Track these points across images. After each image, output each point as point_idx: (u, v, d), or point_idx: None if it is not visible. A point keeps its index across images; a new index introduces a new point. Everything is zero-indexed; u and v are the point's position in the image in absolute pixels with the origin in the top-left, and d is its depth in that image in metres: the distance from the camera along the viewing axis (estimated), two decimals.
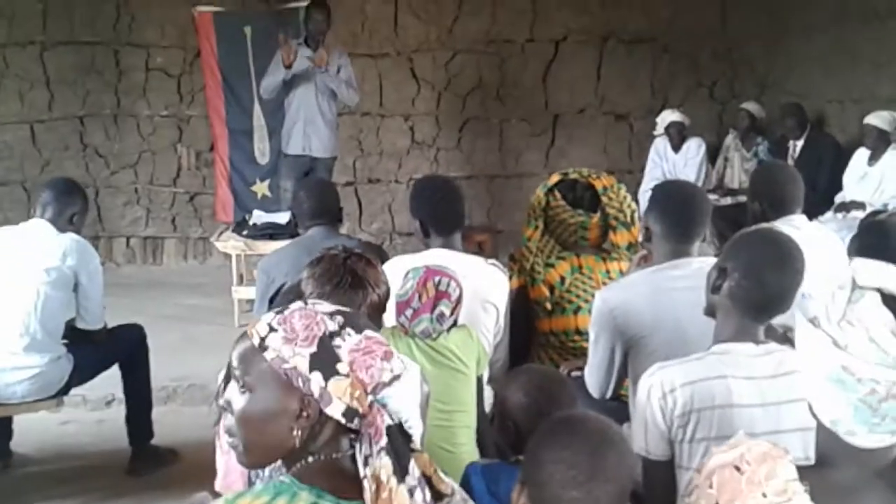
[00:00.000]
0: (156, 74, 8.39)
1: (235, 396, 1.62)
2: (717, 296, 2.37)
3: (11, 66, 8.15)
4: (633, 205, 3.72)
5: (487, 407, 3.17)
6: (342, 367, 1.57)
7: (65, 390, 4.24)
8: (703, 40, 8.65)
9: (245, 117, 8.09)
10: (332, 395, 1.56)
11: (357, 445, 1.59)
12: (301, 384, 1.56)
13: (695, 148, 7.97)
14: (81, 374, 4.29)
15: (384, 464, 1.55)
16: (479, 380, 3.05)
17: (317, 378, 1.56)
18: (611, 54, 8.72)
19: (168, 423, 4.77)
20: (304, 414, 1.57)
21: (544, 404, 2.41)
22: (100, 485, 4.42)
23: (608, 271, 3.63)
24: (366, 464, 1.57)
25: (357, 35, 8.43)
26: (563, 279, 3.62)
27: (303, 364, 1.56)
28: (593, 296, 3.16)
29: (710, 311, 2.43)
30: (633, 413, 2.36)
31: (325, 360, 1.57)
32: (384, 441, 1.56)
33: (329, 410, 1.57)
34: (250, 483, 2.34)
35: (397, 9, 8.50)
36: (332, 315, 1.62)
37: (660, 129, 8.07)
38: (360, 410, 1.57)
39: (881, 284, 1.56)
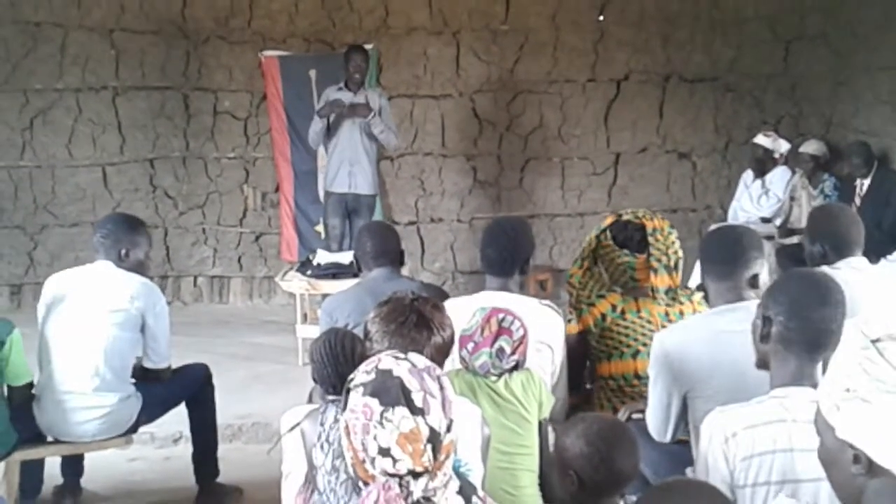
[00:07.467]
0: (223, 118, 8.55)
1: None
2: (768, 344, 2.38)
3: (85, 110, 8.36)
4: (680, 252, 3.69)
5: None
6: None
7: (133, 428, 4.31)
8: (766, 80, 8.60)
9: (309, 158, 8.25)
10: None
11: None
12: None
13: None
14: (149, 412, 4.35)
15: None
16: (543, 423, 3.04)
17: None
18: (672, 93, 8.69)
19: (233, 461, 4.82)
20: None
21: (606, 453, 2.39)
22: None
23: (667, 314, 3.61)
24: None
25: (420, 77, 8.53)
26: (603, 316, 3.62)
27: None
28: (651, 339, 3.16)
29: (763, 363, 2.43)
30: (696, 457, 2.35)
31: None
32: None
33: None
34: None
35: (459, 51, 8.57)
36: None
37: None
38: None
39: None
